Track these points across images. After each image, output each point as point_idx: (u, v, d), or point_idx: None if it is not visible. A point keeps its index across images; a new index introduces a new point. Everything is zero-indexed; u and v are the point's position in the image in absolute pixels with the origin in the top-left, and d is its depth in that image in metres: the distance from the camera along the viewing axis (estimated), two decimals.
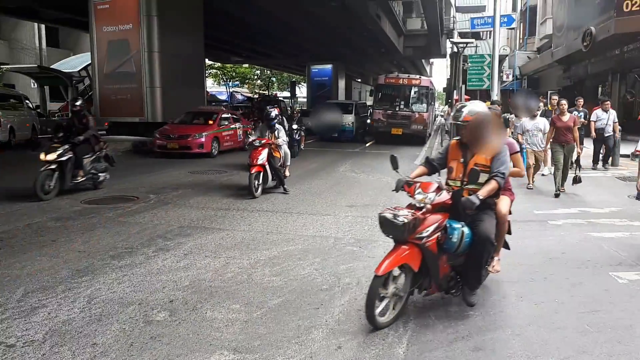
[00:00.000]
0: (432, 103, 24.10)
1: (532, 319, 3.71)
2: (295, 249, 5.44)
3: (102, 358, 3.09)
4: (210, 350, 3.20)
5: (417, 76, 22.06)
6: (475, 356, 3.17)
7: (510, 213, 4.11)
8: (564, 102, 8.91)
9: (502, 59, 31.85)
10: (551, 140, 8.99)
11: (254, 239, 5.83)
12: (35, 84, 27.87)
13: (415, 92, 20.15)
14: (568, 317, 3.75)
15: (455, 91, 16.09)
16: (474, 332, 3.50)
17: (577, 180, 8.88)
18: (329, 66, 36.90)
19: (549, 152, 9.34)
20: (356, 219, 6.96)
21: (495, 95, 14.89)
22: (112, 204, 7.73)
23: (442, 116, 31.26)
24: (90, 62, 20.59)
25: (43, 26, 30.80)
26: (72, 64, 28.70)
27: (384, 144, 19.24)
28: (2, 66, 28.31)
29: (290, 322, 3.62)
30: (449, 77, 20.47)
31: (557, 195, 8.53)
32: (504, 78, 33.25)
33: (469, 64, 16.59)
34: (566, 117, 8.78)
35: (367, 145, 19.45)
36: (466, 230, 3.58)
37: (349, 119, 20.73)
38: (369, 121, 22.99)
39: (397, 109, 19.73)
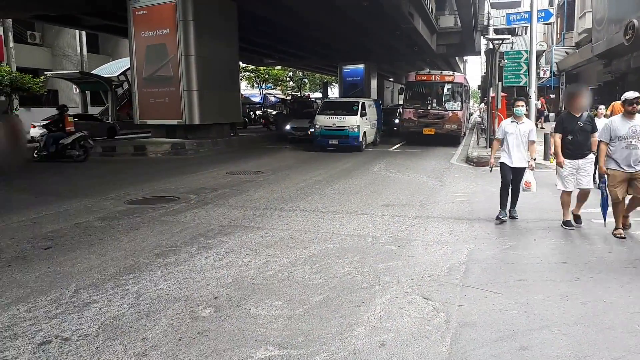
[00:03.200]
0: (467, 101, 23.49)
1: (579, 319, 3.64)
2: (333, 248, 5.48)
3: (152, 352, 3.20)
4: (255, 346, 3.27)
5: (450, 72, 20.58)
6: (522, 355, 3.13)
7: None
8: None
9: (539, 54, 31.10)
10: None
11: (292, 238, 5.90)
12: (77, 89, 28.87)
13: (448, 90, 19.22)
14: (617, 317, 3.66)
15: (491, 88, 15.81)
16: (519, 331, 3.45)
17: None
18: (360, 66, 36.74)
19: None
20: (393, 218, 6.94)
21: (533, 92, 14.54)
22: (154, 204, 7.95)
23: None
24: (128, 66, 21.20)
25: (84, 33, 31.82)
26: (111, 69, 29.62)
27: (415, 144, 18.74)
28: (45, 72, 29.43)
29: (333, 319, 3.66)
30: (483, 74, 19.86)
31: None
32: (541, 74, 32.48)
33: (506, 61, 16.26)
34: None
35: (396, 147, 19.30)
36: None
37: (353, 121, 16.39)
38: (396, 121, 21.92)
39: (429, 108, 18.80)
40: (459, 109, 18.83)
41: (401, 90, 23.49)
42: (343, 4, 19.91)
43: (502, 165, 6.74)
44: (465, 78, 22.05)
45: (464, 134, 21.70)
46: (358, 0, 19.30)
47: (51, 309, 3.86)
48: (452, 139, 18.66)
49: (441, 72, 20.06)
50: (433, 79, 19.24)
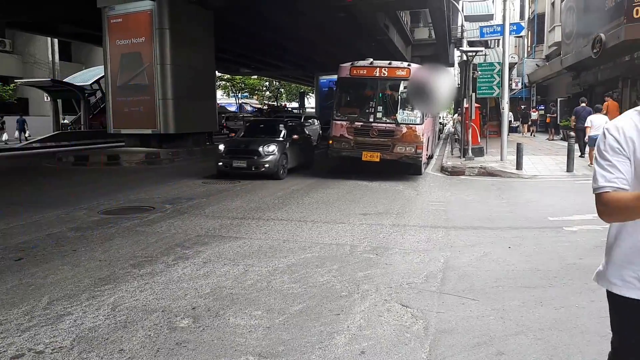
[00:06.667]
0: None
1: (553, 324, 3.72)
2: (312, 257, 5.48)
3: None
4: (235, 356, 3.24)
5: (405, 64, 12.88)
6: None
7: None
8: None
9: (510, 67, 31.89)
10: None
11: (271, 247, 5.88)
12: (49, 98, 28.32)
13: (403, 91, 12.43)
14: (589, 321, 3.75)
15: (465, 99, 16.09)
16: (496, 337, 3.51)
17: None
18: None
19: None
20: (371, 226, 6.99)
21: (506, 103, 14.87)
22: (129, 214, 7.82)
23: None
24: (102, 75, 20.94)
25: (56, 40, 31.30)
26: (84, 77, 29.16)
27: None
28: (16, 80, 28.79)
29: (313, 328, 3.65)
30: (457, 85, 19.83)
31: None
32: (513, 86, 33.28)
33: (479, 72, 16.58)
34: None
35: None
36: None
37: None
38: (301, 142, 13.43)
39: (370, 120, 12.02)
40: (419, 121, 11.93)
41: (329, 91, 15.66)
42: (319, 15, 20.08)
43: (617, 300, 1.93)
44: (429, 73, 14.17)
45: (429, 158, 15.11)
46: (334, 12, 19.49)
47: (23, 322, 3.75)
48: (408, 168, 12.40)
49: (390, 63, 12.54)
50: (378, 75, 12.21)
